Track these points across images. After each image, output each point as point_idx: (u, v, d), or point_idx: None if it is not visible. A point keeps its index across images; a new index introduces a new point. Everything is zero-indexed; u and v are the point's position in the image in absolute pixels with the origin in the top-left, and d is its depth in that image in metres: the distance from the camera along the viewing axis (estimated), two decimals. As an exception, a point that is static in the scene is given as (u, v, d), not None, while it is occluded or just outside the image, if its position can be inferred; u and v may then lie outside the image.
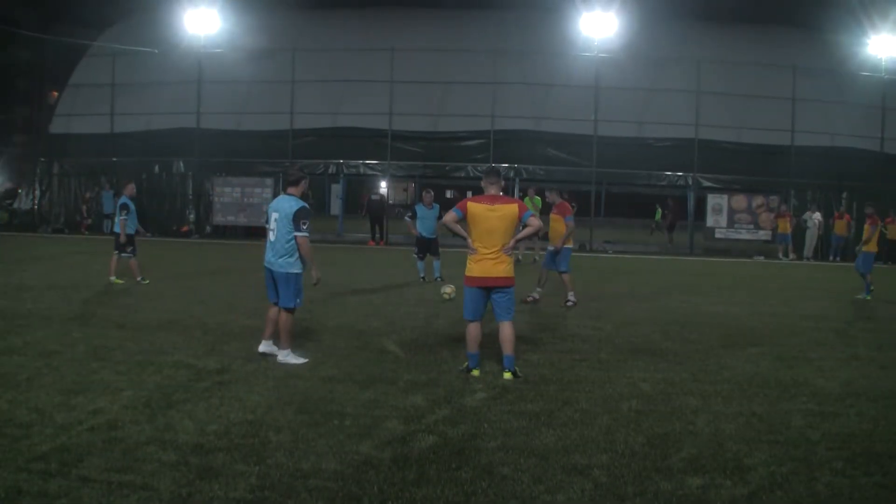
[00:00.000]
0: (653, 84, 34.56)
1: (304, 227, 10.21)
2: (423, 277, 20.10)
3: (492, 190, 9.98)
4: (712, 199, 35.74)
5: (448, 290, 16.63)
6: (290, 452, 6.87)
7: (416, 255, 20.38)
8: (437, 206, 20.21)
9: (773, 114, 34.56)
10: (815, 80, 34.60)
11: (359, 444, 7.11)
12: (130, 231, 18.30)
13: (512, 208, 9.79)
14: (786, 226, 33.14)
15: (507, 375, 9.77)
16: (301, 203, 10.34)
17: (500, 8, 38.74)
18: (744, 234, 35.39)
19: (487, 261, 9.73)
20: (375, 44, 35.92)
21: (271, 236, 10.35)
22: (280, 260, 10.26)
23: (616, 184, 39.57)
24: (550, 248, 16.62)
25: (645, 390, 9.36)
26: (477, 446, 7.18)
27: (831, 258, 33.11)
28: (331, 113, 35.60)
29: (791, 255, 32.90)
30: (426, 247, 20.08)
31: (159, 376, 9.39)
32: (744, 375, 10.36)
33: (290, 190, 10.49)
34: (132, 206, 18.38)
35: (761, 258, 31.81)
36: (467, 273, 9.93)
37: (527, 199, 27.38)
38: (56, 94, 49.18)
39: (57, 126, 41.13)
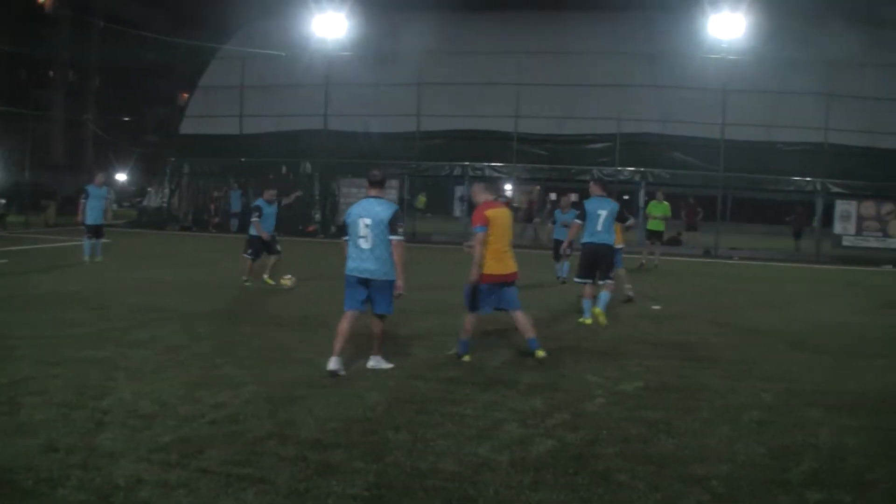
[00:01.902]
0: (782, 86, 33.74)
1: (402, 231, 9.84)
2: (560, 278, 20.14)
3: (490, 196, 10.86)
4: (840, 206, 34.75)
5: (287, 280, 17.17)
6: (408, 451, 6.96)
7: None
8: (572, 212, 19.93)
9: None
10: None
11: (477, 446, 7.17)
12: (256, 233, 18.52)
13: (507, 211, 10.89)
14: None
15: (541, 353, 10.69)
16: (395, 206, 10.05)
17: (626, 9, 38.47)
18: (872, 242, 34.32)
19: (507, 258, 10.60)
20: (502, 47, 36.02)
21: (363, 244, 9.72)
22: (382, 268, 9.74)
23: (743, 189, 38.85)
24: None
25: (767, 401, 9.20)
26: (594, 452, 7.17)
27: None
28: (457, 115, 35.75)
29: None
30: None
31: (283, 372, 9.64)
32: (870, 387, 10.10)
33: (374, 192, 10.00)
34: (266, 210, 18.61)
35: (889, 267, 30.80)
36: (487, 270, 10.45)
37: (654, 202, 27.15)
38: (186, 95, 50.51)
39: (187, 127, 42.32)
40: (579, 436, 7.61)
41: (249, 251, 18.49)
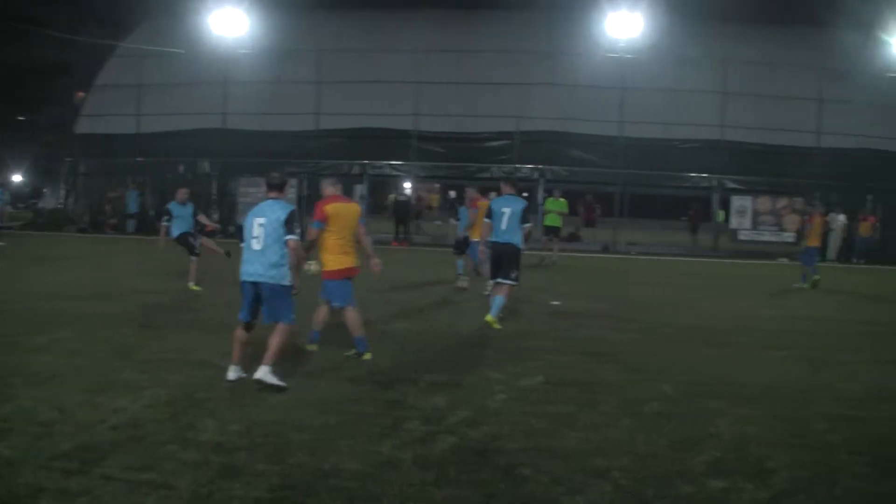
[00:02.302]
0: (679, 85, 34.26)
1: (298, 231, 9.22)
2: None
3: (336, 191, 10.80)
4: (737, 201, 35.49)
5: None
6: (311, 452, 6.89)
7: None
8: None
9: (800, 115, 34.36)
10: (842, 81, 34.32)
11: (380, 445, 7.13)
12: (173, 235, 17.98)
13: (352, 207, 10.90)
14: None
15: (368, 355, 10.60)
16: (291, 206, 9.51)
17: (525, 8, 38.64)
18: (767, 236, 35.13)
19: (349, 253, 10.62)
20: (402, 44, 35.92)
21: (255, 245, 9.14)
22: (272, 271, 9.09)
23: (641, 185, 39.38)
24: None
25: (667, 393, 9.32)
26: (497, 447, 7.18)
27: (854, 260, 32.91)
28: (356, 114, 35.53)
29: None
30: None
31: (183, 376, 9.42)
32: (768, 378, 10.30)
33: (273, 194, 9.42)
34: (176, 212, 18.01)
35: (785, 260, 31.53)
36: (338, 266, 10.52)
37: (550, 199, 27.56)
38: (82, 94, 49.41)
39: (83, 126, 41.27)
40: (482, 432, 7.61)
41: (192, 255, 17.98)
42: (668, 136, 34.91)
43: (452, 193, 50.12)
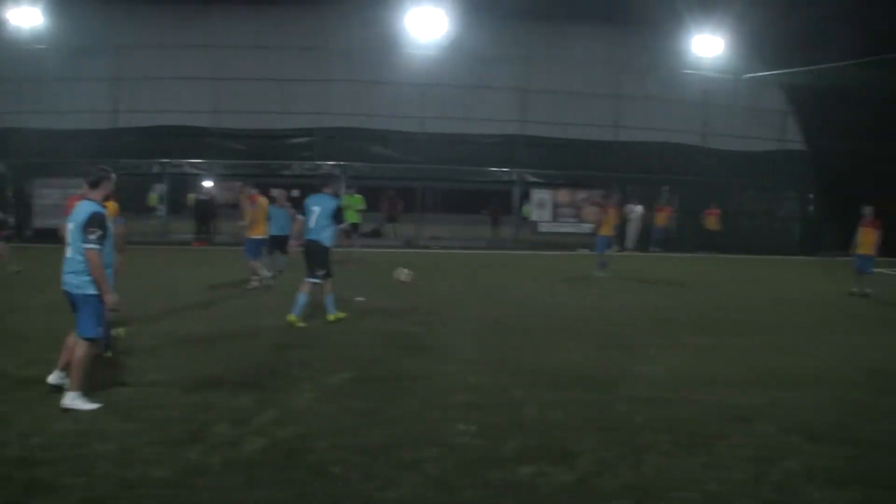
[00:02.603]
0: (480, 81, 34.78)
1: (93, 238, 8.14)
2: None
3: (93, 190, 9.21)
4: (536, 194, 36.29)
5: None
6: (116, 462, 6.61)
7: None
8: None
9: (598, 110, 35.45)
10: (641, 78, 35.68)
11: (187, 450, 6.90)
12: None
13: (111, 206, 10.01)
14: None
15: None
16: (94, 208, 8.41)
17: (326, 5, 38.35)
18: (567, 228, 36.07)
19: None
20: (201, 40, 35.11)
21: (68, 252, 8.39)
22: (76, 279, 8.27)
23: (443, 180, 39.68)
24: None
25: (472, 383, 9.38)
26: (307, 446, 7.07)
27: (651, 249, 34.05)
28: (155, 111, 34.54)
29: (614, 247, 33.43)
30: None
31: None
32: (571, 364, 10.51)
33: (91, 194, 8.51)
34: None
35: (585, 251, 32.39)
36: None
37: (347, 195, 28.21)
38: None
39: None
40: (290, 431, 7.47)
41: None
42: (469, 132, 35.31)
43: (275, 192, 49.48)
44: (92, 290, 8.28)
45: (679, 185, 35.98)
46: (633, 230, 34.27)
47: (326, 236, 13.45)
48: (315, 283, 13.49)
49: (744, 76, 36.60)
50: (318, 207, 13.43)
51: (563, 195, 36.20)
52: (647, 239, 34.65)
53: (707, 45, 34.73)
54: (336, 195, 14.70)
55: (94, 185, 8.60)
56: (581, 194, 35.99)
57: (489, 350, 11.54)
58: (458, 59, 34.31)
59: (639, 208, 34.45)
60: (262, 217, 18.42)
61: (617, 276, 22.15)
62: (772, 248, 34.47)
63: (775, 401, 9.05)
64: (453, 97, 34.29)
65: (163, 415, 7.93)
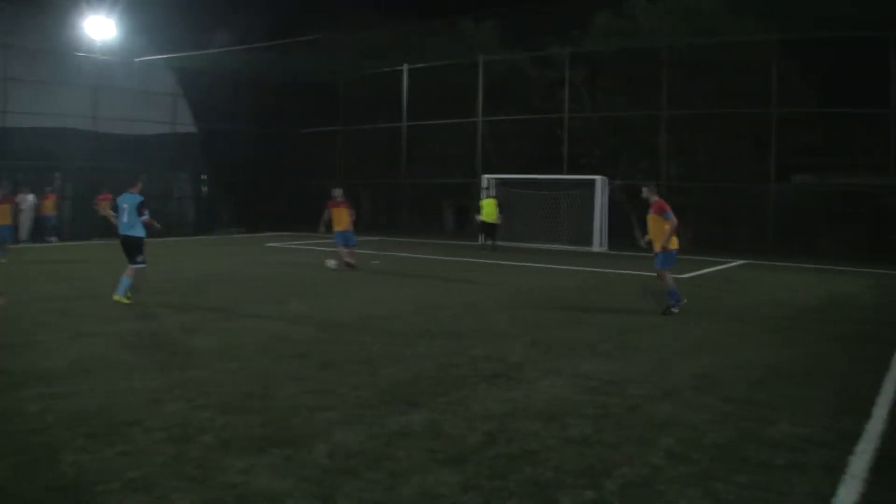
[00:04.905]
0: None
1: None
2: None
3: None
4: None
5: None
6: None
7: None
8: None
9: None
10: (31, 60, 34.24)
11: None
12: None
13: None
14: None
15: None
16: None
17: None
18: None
19: None
20: None
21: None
22: None
23: None
24: None
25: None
26: None
27: (47, 238, 33.01)
28: None
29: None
30: None
31: None
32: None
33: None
34: None
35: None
36: None
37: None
38: None
39: None
40: None
41: None
42: None
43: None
44: None
45: (73, 171, 35.15)
46: (25, 220, 32.78)
47: (135, 230, 15.58)
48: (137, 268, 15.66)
49: (136, 59, 36.62)
50: (126, 204, 15.53)
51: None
52: (41, 228, 33.37)
53: (99, 28, 34.35)
54: (141, 193, 15.90)
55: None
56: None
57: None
58: None
59: (31, 197, 33.06)
60: None
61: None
62: (168, 230, 35.01)
63: (186, 380, 9.31)
64: None
65: None
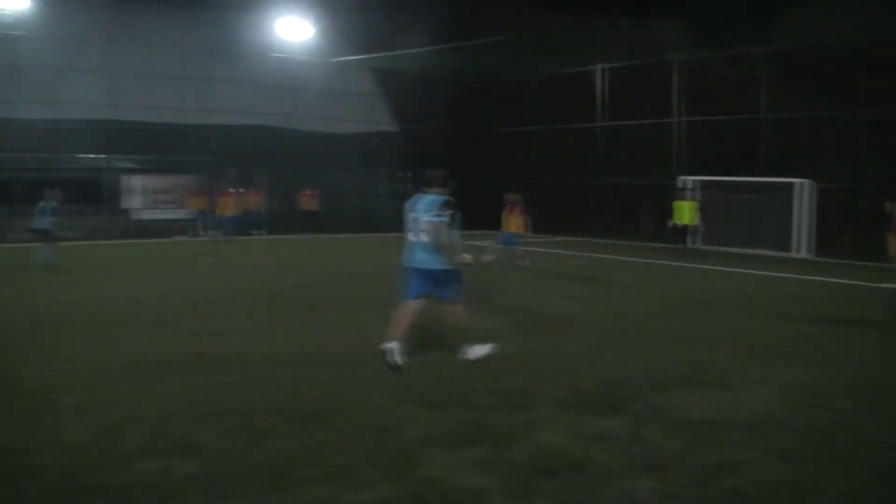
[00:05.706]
0: (68, 64, 33.12)
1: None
2: None
3: None
4: (128, 181, 35.04)
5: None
6: None
7: None
8: None
9: (190, 93, 35.06)
10: (228, 61, 35.71)
11: None
12: None
13: None
14: (202, 203, 33.63)
15: None
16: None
17: None
18: (164, 214, 35.09)
19: None
20: None
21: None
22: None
23: (31, 170, 37.36)
24: None
25: (81, 381, 9.07)
26: None
27: (254, 231, 34.40)
28: None
29: (209, 232, 33.05)
30: None
31: None
32: (173, 353, 10.50)
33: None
34: None
35: (183, 237, 32.03)
36: None
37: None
38: None
39: None
40: None
41: None
42: (56, 117, 33.52)
43: None
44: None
45: (274, 168, 36.56)
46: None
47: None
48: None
49: (332, 59, 37.49)
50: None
51: (157, 181, 35.32)
52: (248, 223, 34.53)
53: (295, 30, 35.38)
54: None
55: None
56: (177, 179, 35.30)
57: (88, 345, 11.21)
58: (42, 40, 32.39)
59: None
60: None
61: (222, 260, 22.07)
62: (367, 227, 35.77)
63: (386, 372, 9.47)
64: (39, 80, 32.43)
65: None
